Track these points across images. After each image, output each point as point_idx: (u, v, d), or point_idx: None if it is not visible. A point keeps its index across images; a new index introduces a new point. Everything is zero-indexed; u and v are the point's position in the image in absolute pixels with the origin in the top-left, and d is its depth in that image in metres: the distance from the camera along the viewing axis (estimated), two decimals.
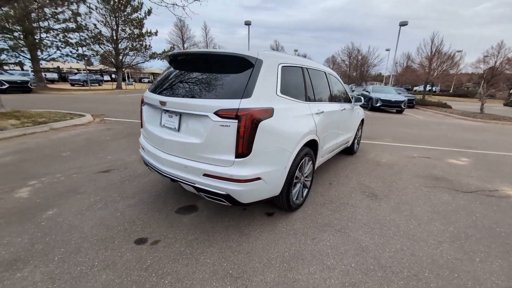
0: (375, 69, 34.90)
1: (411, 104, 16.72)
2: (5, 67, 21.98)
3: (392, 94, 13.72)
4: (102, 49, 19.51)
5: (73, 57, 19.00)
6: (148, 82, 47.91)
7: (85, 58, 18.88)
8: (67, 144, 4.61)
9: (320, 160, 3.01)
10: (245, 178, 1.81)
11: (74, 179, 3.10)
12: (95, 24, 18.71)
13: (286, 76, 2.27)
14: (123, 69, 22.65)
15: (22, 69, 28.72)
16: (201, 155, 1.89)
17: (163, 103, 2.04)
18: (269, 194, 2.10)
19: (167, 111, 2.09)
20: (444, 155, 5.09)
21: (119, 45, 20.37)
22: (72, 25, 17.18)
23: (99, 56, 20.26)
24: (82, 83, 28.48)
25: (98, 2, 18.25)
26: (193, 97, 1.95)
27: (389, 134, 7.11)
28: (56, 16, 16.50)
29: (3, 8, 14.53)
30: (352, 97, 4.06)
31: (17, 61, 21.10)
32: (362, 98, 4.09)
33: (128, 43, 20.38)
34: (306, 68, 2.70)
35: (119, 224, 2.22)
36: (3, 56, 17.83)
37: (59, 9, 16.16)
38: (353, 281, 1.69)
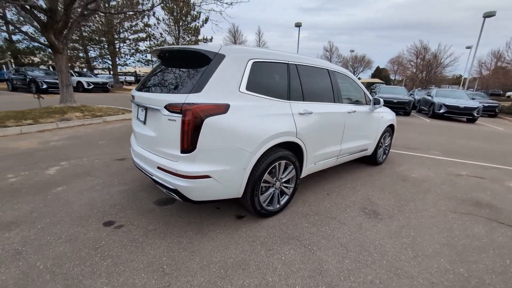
0: (448, 70, 29.34)
1: (492, 112, 13.58)
2: (95, 71, 27.09)
3: (462, 99, 11.41)
4: None
5: (142, 63, 22.21)
6: None
7: (152, 63, 21.84)
8: (107, 135, 5.40)
9: (311, 166, 2.72)
10: (190, 175, 1.78)
11: (94, 164, 3.60)
12: (161, 34, 21.48)
13: (260, 72, 2.14)
14: None
15: (110, 73, 35.00)
16: (156, 148, 1.94)
17: (133, 97, 2.19)
18: (226, 195, 2.00)
19: (139, 105, 2.23)
20: (508, 176, 3.94)
21: None
22: (142, 35, 20.14)
23: None
24: None
25: (165, 14, 20.88)
26: (154, 91, 2.02)
27: (440, 145, 5.92)
28: (132, 29, 19.63)
29: (95, 25, 18.09)
30: (371, 99, 3.54)
31: (105, 66, 25.88)
32: (382, 100, 3.52)
33: None
34: (296, 64, 2.48)
35: (102, 206, 2.47)
36: (94, 63, 22.15)
37: (134, 22, 19.17)
38: None
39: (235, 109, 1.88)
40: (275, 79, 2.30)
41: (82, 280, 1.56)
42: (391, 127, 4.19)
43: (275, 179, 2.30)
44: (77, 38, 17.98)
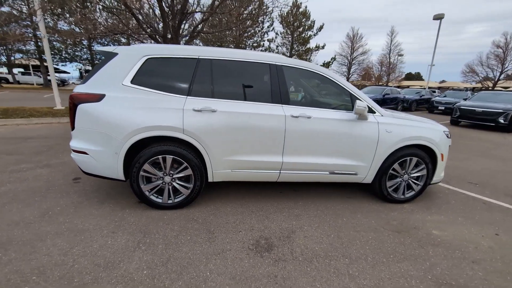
0: None
1: None
2: None
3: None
4: None
5: None
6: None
7: None
8: None
9: (226, 172, 2.41)
10: (73, 148, 2.25)
11: None
12: (277, 46, 23.62)
13: (155, 68, 2.27)
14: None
15: None
16: None
17: None
18: (108, 174, 2.29)
19: None
20: None
21: None
22: (262, 48, 23.00)
23: None
24: None
25: (283, 27, 22.80)
26: None
27: None
28: (253, 45, 22.98)
29: (229, 45, 22.68)
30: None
31: None
32: (364, 104, 2.38)
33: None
34: (211, 59, 2.33)
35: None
36: None
37: (256, 38, 22.35)
38: None
39: (111, 99, 2.15)
40: (174, 74, 2.31)
41: (13, 202, 2.41)
42: (425, 150, 2.71)
43: (162, 172, 2.32)
44: None
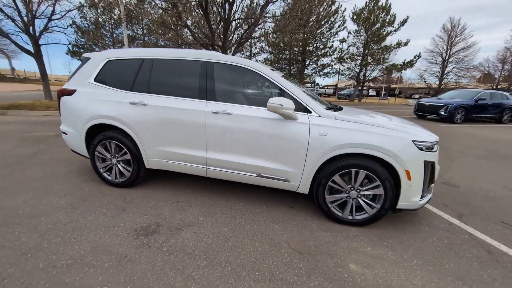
0: None
1: None
2: None
3: None
4: (343, 66, 22.22)
5: (321, 75, 23.96)
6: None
7: (327, 75, 22.91)
8: None
9: (159, 161, 2.64)
10: (61, 130, 3.00)
11: None
12: (348, 46, 21.73)
13: (112, 68, 2.76)
14: (364, 84, 23.60)
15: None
16: None
17: None
18: (78, 150, 2.94)
19: None
20: None
21: (364, 61, 21.56)
22: (326, 50, 21.70)
23: (346, 73, 23.25)
24: (345, 97, 34.25)
25: (355, 24, 20.83)
26: None
27: None
28: (320, 46, 21.95)
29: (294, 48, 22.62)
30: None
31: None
32: (287, 101, 2.05)
33: (370, 59, 20.80)
34: (152, 59, 2.63)
35: None
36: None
37: (323, 40, 21.31)
38: None
39: (79, 93, 2.77)
40: (123, 73, 2.71)
41: (37, 165, 3.43)
42: (384, 164, 2.11)
43: (110, 155, 2.78)
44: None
